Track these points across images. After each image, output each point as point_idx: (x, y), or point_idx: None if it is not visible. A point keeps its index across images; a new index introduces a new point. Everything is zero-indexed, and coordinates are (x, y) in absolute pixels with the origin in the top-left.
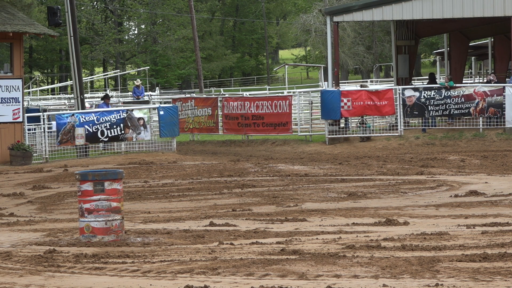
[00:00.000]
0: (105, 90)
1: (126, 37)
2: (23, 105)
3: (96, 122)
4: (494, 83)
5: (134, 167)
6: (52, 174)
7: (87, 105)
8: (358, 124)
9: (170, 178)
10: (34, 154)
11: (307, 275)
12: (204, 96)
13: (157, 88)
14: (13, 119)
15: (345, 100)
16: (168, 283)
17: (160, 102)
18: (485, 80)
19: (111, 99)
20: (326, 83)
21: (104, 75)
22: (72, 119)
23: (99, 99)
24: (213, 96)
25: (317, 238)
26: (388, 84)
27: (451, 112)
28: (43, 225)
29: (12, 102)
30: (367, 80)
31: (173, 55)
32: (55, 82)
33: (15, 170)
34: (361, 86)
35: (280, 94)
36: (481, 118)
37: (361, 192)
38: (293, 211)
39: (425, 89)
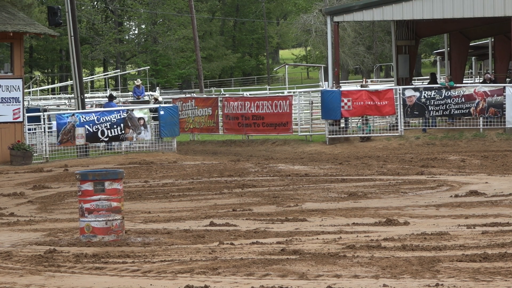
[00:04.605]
0: (105, 90)
1: (127, 37)
2: (23, 105)
3: (97, 122)
4: (491, 81)
5: (135, 167)
6: (52, 174)
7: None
8: (359, 124)
9: (170, 178)
10: (34, 154)
11: (308, 275)
12: (205, 96)
13: (157, 88)
14: (13, 119)
15: (345, 100)
16: (169, 283)
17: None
18: (482, 80)
19: (115, 99)
20: (326, 83)
21: (104, 75)
22: (72, 119)
23: (106, 99)
24: (214, 96)
25: (317, 238)
26: (388, 84)
27: (452, 112)
28: (43, 225)
29: (13, 102)
30: (368, 80)
31: (174, 55)
32: (56, 82)
33: (16, 170)
34: (361, 86)
35: (280, 94)
36: (481, 118)
37: (362, 192)
38: (293, 211)
39: (426, 89)
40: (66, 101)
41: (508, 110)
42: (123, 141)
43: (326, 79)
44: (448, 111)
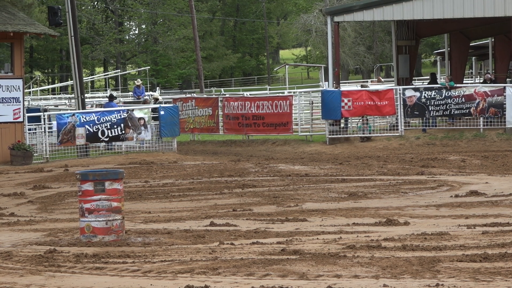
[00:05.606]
0: (106, 90)
1: (127, 37)
2: (23, 105)
3: (97, 122)
4: (491, 81)
5: (135, 167)
6: (52, 174)
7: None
8: (360, 124)
9: (170, 178)
10: (34, 154)
11: (308, 275)
12: (205, 96)
13: (157, 88)
14: (13, 119)
15: (345, 100)
16: (169, 283)
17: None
18: (482, 80)
19: (115, 99)
20: (326, 83)
21: (104, 75)
22: (72, 119)
23: (106, 99)
24: (214, 96)
25: (317, 238)
26: (388, 84)
27: (452, 112)
28: (43, 225)
29: (13, 102)
30: (367, 80)
31: (174, 55)
32: (56, 82)
33: (16, 170)
34: (362, 86)
35: (280, 94)
36: (481, 118)
37: (362, 192)
38: (293, 211)
39: (426, 89)
40: (67, 101)
41: (508, 110)
42: (123, 141)
43: (327, 79)
44: (448, 111)
